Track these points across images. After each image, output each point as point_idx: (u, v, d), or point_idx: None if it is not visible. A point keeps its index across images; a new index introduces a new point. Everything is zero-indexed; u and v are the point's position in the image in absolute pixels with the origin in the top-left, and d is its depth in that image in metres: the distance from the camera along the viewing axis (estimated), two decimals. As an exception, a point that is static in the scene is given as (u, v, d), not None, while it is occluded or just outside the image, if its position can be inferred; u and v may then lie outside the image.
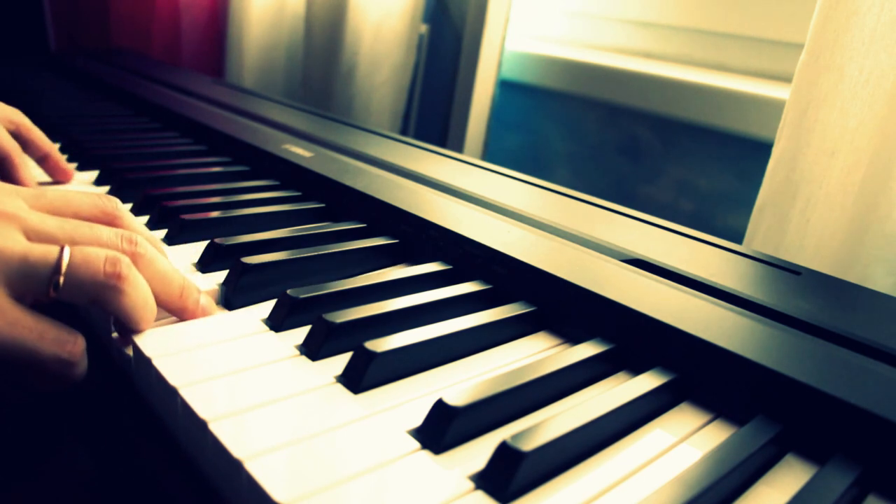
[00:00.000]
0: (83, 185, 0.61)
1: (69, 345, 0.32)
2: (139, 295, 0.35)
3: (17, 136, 0.57)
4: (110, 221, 0.39)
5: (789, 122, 0.58)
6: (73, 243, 0.34)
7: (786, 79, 0.81)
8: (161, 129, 0.80)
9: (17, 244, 0.32)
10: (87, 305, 0.35)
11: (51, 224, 0.35)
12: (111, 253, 0.34)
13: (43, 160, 0.59)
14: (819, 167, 0.57)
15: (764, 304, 0.39)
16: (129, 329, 0.36)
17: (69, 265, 0.32)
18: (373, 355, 0.33)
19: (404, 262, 0.50)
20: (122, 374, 0.38)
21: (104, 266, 0.33)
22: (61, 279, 0.32)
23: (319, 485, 0.26)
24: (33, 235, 0.34)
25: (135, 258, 0.36)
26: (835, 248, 0.57)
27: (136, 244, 0.37)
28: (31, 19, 1.36)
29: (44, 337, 0.31)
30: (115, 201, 0.39)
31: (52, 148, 0.59)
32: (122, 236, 0.36)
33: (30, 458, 0.45)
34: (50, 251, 0.33)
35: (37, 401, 0.47)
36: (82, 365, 0.33)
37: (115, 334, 0.36)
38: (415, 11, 1.03)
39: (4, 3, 1.31)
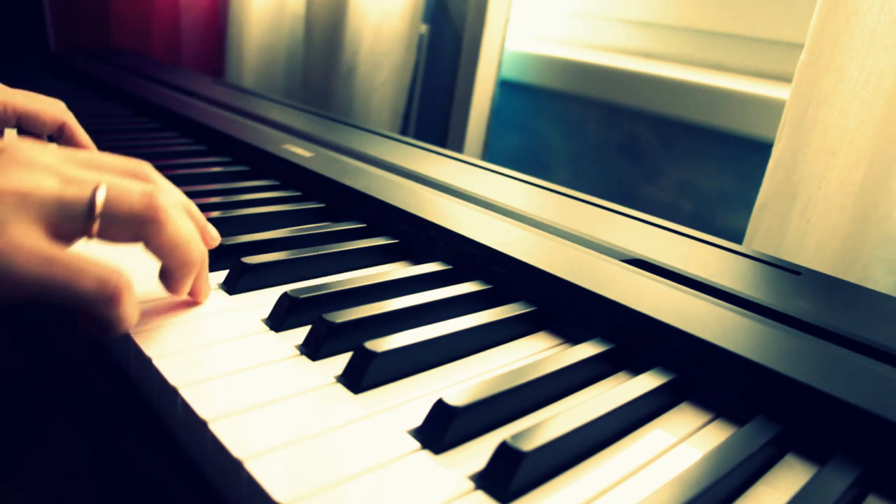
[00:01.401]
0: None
1: (111, 283, 0.31)
2: (180, 229, 0.34)
3: (61, 131, 0.58)
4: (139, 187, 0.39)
5: (789, 122, 0.58)
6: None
7: (786, 79, 0.81)
8: (161, 129, 0.80)
9: (52, 186, 0.32)
10: (133, 242, 0.34)
11: (84, 174, 0.34)
12: (146, 187, 0.34)
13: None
14: (819, 167, 0.57)
15: (764, 304, 0.39)
16: (170, 282, 0.36)
17: (105, 200, 0.32)
18: (373, 355, 0.33)
19: (404, 262, 0.50)
20: (123, 373, 0.38)
21: (139, 198, 0.33)
22: (97, 215, 0.32)
23: (319, 485, 0.26)
24: (66, 179, 0.33)
25: (155, 220, 0.35)
26: (835, 248, 0.57)
27: (160, 209, 0.35)
28: (31, 19, 1.36)
29: (82, 274, 0.30)
30: (147, 165, 0.39)
31: (91, 144, 0.60)
32: (147, 196, 0.35)
33: (30, 456, 0.45)
34: (84, 189, 0.32)
35: (37, 402, 0.47)
36: (128, 307, 0.32)
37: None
38: (415, 11, 1.03)
39: (4, 3, 1.31)
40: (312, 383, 0.33)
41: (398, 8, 1.03)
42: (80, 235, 0.32)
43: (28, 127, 0.59)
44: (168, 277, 0.37)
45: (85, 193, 0.32)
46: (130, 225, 0.33)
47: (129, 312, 0.32)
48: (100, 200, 0.32)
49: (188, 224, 0.35)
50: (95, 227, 0.32)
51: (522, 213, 0.52)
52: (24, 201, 0.31)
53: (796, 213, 0.58)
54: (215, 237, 0.41)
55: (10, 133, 0.34)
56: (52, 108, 0.58)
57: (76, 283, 0.30)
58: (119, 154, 0.68)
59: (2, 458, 0.44)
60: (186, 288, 0.37)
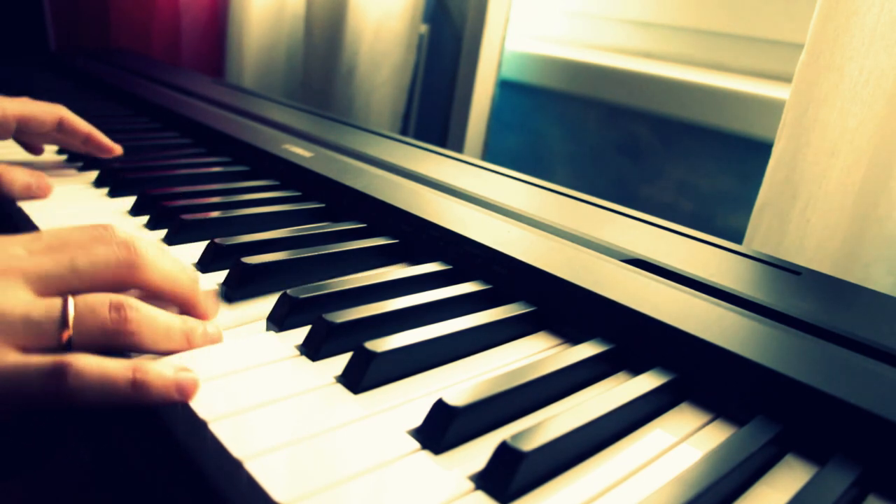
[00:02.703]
0: (83, 185, 0.61)
1: (57, 378, 0.30)
2: (156, 328, 0.34)
3: (61, 125, 0.62)
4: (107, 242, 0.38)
5: (789, 122, 0.58)
6: (73, 271, 0.34)
7: (786, 79, 0.81)
8: (161, 129, 0.80)
9: (18, 302, 0.32)
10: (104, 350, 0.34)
11: (48, 264, 0.34)
12: (114, 298, 0.33)
13: (86, 142, 0.63)
14: (819, 167, 0.56)
15: (764, 304, 0.39)
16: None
17: (75, 317, 0.32)
18: (373, 355, 0.33)
19: (404, 262, 0.50)
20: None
21: (109, 313, 0.33)
22: (70, 334, 0.32)
23: (319, 485, 0.26)
24: (35, 280, 0.33)
25: (135, 265, 0.36)
26: (835, 248, 0.57)
27: (135, 248, 0.36)
28: (31, 19, 1.36)
29: (27, 377, 0.30)
30: (108, 225, 0.39)
31: (92, 129, 0.63)
32: (118, 244, 0.36)
33: (31, 455, 0.45)
34: (53, 306, 0.32)
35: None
36: (88, 389, 0.31)
37: None
38: (415, 11, 1.03)
39: (4, 3, 1.31)
40: (312, 383, 0.33)
41: (398, 8, 1.03)
42: (53, 346, 0.32)
43: (29, 129, 0.61)
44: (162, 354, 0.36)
45: (54, 311, 0.32)
46: (104, 338, 0.33)
47: (95, 381, 0.31)
48: (70, 316, 0.32)
49: (160, 320, 0.34)
50: (68, 335, 0.32)
51: (522, 213, 0.52)
52: None
53: (796, 213, 0.58)
54: (201, 303, 0.39)
55: None
56: (49, 107, 0.61)
57: (22, 387, 0.30)
58: (120, 154, 0.68)
59: (2, 458, 0.44)
60: (198, 345, 0.36)
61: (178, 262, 0.36)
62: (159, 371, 0.31)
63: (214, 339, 0.36)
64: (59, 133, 0.62)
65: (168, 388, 0.31)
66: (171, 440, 0.33)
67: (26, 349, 0.31)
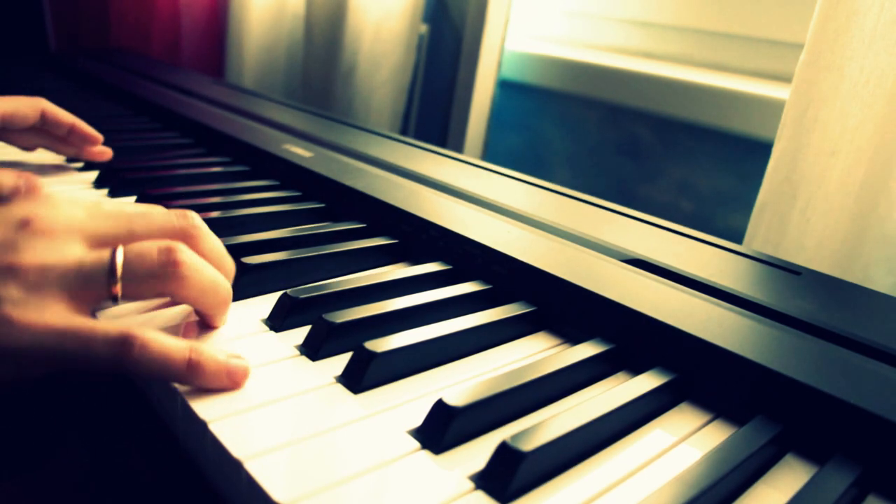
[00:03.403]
0: (83, 185, 0.61)
1: (124, 342, 0.31)
2: (203, 278, 0.34)
3: (44, 117, 0.62)
4: (165, 211, 0.39)
5: (789, 122, 0.58)
6: (130, 234, 0.35)
7: (786, 79, 0.81)
8: (161, 129, 0.80)
9: (71, 255, 0.33)
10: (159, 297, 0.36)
11: (107, 225, 0.35)
12: (163, 243, 0.34)
13: (70, 133, 0.63)
14: (819, 167, 0.56)
15: (764, 304, 0.39)
16: (205, 319, 0.37)
17: (124, 263, 0.33)
18: (373, 355, 0.33)
19: (404, 262, 0.50)
20: (122, 374, 0.38)
21: (157, 256, 0.33)
22: (118, 278, 0.33)
23: (319, 485, 0.26)
24: (92, 239, 0.34)
25: (190, 234, 0.37)
26: (835, 248, 0.57)
27: (192, 217, 0.37)
28: (31, 19, 1.36)
29: (93, 341, 0.31)
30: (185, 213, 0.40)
31: (75, 119, 0.63)
32: (176, 213, 0.37)
33: (31, 454, 0.45)
34: (102, 255, 0.33)
35: (37, 404, 0.47)
36: (151, 353, 0.31)
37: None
38: (415, 11, 1.03)
39: (4, 3, 1.31)
40: (312, 383, 0.33)
41: (398, 8, 1.03)
42: (105, 298, 0.33)
43: (12, 125, 0.61)
44: (203, 316, 0.37)
45: (103, 259, 0.33)
46: (153, 283, 0.33)
47: (156, 355, 0.31)
48: (119, 263, 0.33)
49: (208, 272, 0.35)
50: (118, 288, 0.33)
51: (522, 213, 0.52)
52: (45, 276, 0.32)
53: (796, 213, 0.58)
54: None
55: (45, 193, 0.36)
56: (30, 101, 0.61)
57: (90, 351, 0.31)
58: (119, 154, 0.68)
59: (9, 459, 0.44)
60: (222, 321, 0.38)
61: (215, 277, 0.36)
62: (213, 355, 0.32)
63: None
64: (43, 126, 0.62)
65: (220, 373, 0.32)
66: (170, 440, 0.33)
67: (81, 300, 0.32)
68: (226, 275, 0.38)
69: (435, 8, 1.09)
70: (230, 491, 0.28)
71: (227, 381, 0.32)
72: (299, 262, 0.45)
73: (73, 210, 0.35)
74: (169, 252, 0.34)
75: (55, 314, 0.31)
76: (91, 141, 0.64)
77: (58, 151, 0.66)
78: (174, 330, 0.37)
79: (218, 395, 0.31)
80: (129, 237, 0.35)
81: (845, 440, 0.30)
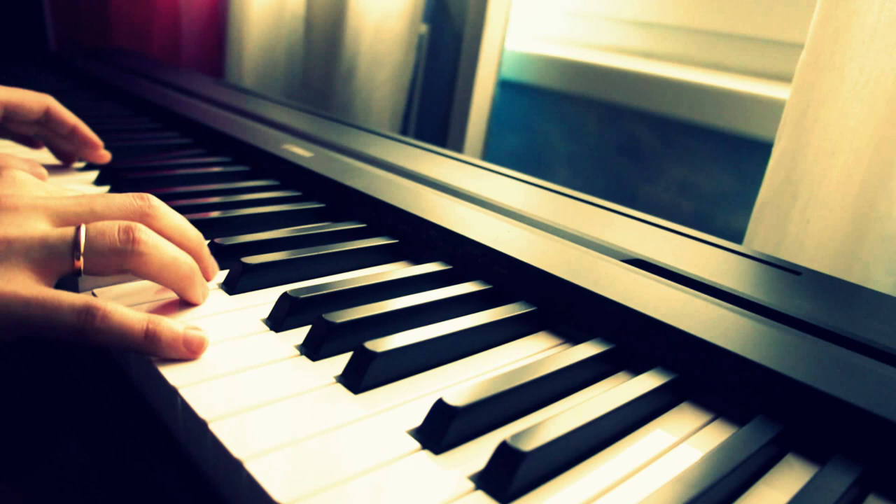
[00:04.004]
0: (84, 185, 0.61)
1: (87, 309, 0.33)
2: (162, 254, 0.37)
3: (48, 114, 0.62)
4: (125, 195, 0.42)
5: (789, 122, 0.58)
6: (92, 213, 0.38)
7: (786, 79, 0.81)
8: (161, 129, 0.80)
9: (35, 230, 0.35)
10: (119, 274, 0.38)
11: (69, 204, 0.38)
12: (124, 223, 0.36)
13: (72, 134, 0.63)
14: (819, 167, 0.56)
15: (764, 304, 0.39)
16: (187, 301, 0.39)
17: (87, 239, 0.35)
18: (373, 355, 0.33)
19: (404, 262, 0.50)
20: (123, 374, 0.38)
21: (118, 233, 0.36)
22: (81, 252, 0.35)
23: (319, 485, 0.26)
24: (54, 216, 0.37)
25: (147, 213, 0.39)
26: (835, 248, 0.57)
27: (150, 199, 0.39)
28: (31, 19, 1.36)
29: (59, 309, 0.33)
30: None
31: (78, 121, 0.64)
32: (135, 195, 0.39)
33: (31, 455, 0.45)
34: (66, 231, 0.35)
35: (37, 404, 0.47)
36: (112, 322, 0.34)
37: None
38: (415, 11, 1.03)
39: (4, 3, 1.31)
40: (312, 383, 0.33)
41: (398, 8, 1.03)
42: (68, 272, 0.35)
43: (15, 116, 0.62)
44: (177, 294, 0.39)
45: (67, 235, 0.35)
46: (113, 259, 0.36)
47: (116, 324, 0.34)
48: (82, 238, 0.35)
49: (167, 248, 0.37)
50: (80, 262, 0.35)
51: (522, 213, 0.52)
52: (10, 247, 0.34)
53: (796, 213, 0.58)
54: (213, 268, 0.43)
55: (11, 174, 0.39)
56: (37, 96, 0.62)
57: (55, 318, 0.33)
58: (119, 154, 0.69)
59: (2, 459, 0.44)
60: (195, 296, 0.39)
61: (175, 253, 0.38)
62: (170, 325, 0.34)
63: (206, 292, 0.40)
64: (46, 123, 0.62)
65: (177, 341, 0.34)
66: (170, 440, 0.33)
67: (45, 273, 0.35)
68: (192, 249, 0.40)
69: (435, 8, 1.09)
70: (230, 491, 0.28)
71: (184, 351, 0.34)
72: (299, 262, 0.45)
73: (37, 190, 0.38)
74: (128, 230, 0.36)
75: (21, 283, 0.33)
76: (92, 146, 0.64)
77: (55, 150, 0.65)
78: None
79: (218, 395, 0.31)
80: (90, 216, 0.37)
81: (845, 440, 0.30)
